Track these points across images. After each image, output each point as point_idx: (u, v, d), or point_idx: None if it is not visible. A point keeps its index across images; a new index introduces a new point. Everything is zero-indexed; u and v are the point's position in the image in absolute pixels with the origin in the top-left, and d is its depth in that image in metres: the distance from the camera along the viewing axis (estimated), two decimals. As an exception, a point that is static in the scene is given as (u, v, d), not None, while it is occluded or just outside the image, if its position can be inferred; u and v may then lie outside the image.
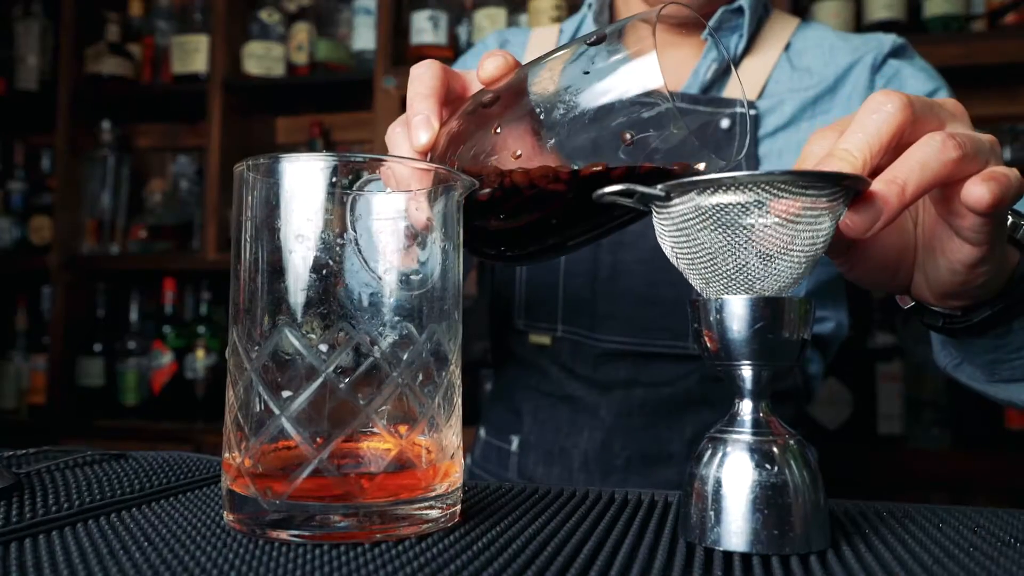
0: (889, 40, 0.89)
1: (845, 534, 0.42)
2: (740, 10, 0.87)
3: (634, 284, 0.83)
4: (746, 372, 0.41)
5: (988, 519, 0.46)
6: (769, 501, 0.39)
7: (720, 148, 0.80)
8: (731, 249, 0.40)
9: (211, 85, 2.01)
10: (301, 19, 2.05)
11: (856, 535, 0.42)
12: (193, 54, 2.06)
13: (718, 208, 0.39)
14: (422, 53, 1.89)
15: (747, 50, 0.89)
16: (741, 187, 0.38)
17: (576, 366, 0.86)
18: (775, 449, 0.40)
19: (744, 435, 0.41)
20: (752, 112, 0.84)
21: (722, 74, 0.87)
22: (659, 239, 0.44)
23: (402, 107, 1.82)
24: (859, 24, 1.71)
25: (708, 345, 0.42)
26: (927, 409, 1.66)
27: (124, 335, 2.11)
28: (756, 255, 0.40)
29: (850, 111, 0.84)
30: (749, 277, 0.41)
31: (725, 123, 0.83)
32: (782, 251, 0.40)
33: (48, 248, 2.14)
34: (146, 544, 0.38)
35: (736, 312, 0.40)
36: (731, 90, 0.86)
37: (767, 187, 0.38)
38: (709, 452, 0.41)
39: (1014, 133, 1.67)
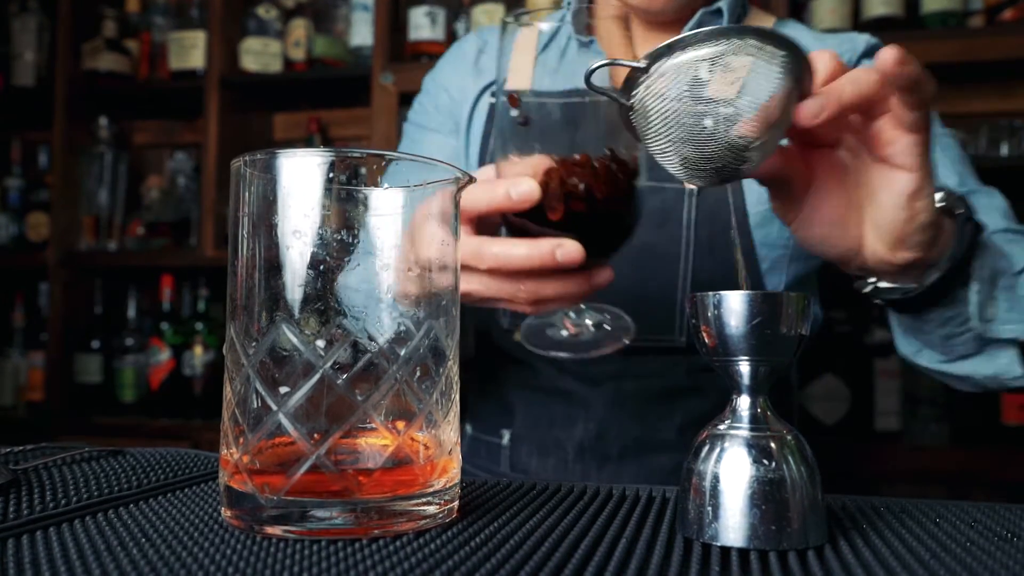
0: (863, 40, 0.90)
1: (842, 529, 0.42)
2: (719, 12, 0.88)
3: (621, 280, 0.84)
4: (744, 368, 0.41)
5: (985, 514, 0.46)
6: (767, 496, 0.39)
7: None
8: (701, 115, 0.47)
9: (208, 81, 2.01)
10: (298, 15, 2.04)
11: (853, 530, 0.42)
12: (190, 50, 2.06)
13: (693, 65, 0.47)
14: (419, 49, 1.89)
15: None
16: (711, 39, 0.46)
17: (566, 362, 0.87)
18: (773, 445, 0.40)
19: (742, 431, 0.41)
20: None
21: None
22: (641, 140, 0.52)
23: (400, 103, 1.82)
24: (856, 20, 1.71)
25: (706, 341, 0.42)
26: (924, 405, 1.66)
27: (122, 332, 2.11)
28: (724, 120, 0.47)
29: None
30: (717, 147, 0.48)
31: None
32: (744, 111, 0.47)
33: (45, 245, 2.13)
34: (143, 540, 0.38)
35: (734, 308, 0.40)
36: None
37: (735, 36, 0.46)
38: (707, 447, 0.41)
39: (1012, 129, 1.67)
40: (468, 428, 0.99)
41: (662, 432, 0.85)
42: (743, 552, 0.38)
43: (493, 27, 1.05)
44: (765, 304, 0.40)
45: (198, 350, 2.04)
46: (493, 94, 0.93)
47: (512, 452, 0.90)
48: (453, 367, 0.44)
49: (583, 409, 0.87)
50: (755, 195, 0.84)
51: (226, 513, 0.41)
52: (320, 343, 0.39)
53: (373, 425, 0.40)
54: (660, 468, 0.85)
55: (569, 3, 0.95)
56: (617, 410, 0.85)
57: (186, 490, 0.50)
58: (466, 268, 0.57)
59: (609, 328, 0.66)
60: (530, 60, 0.96)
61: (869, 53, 0.90)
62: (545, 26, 1.00)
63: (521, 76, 0.96)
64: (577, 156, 0.57)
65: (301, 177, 0.40)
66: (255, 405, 0.40)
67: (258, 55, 2.02)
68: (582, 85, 0.92)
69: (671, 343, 0.84)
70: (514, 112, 0.90)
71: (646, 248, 0.83)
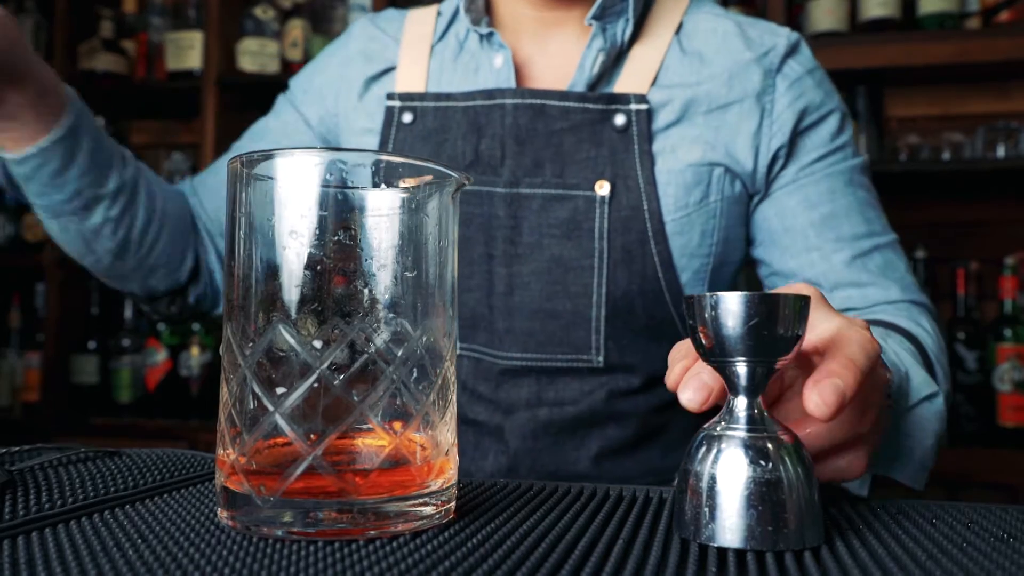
0: (784, 39, 0.84)
1: (839, 530, 0.42)
2: None
3: (531, 297, 0.80)
4: (741, 369, 0.41)
5: (982, 515, 0.46)
6: (763, 497, 0.39)
7: (616, 149, 0.79)
8: None
9: (205, 82, 2.01)
10: (295, 16, 2.04)
11: (850, 531, 0.42)
12: (187, 51, 2.06)
13: None
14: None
15: (636, 36, 0.83)
16: None
17: (478, 386, 0.82)
18: (769, 445, 0.40)
19: (739, 431, 0.41)
20: (644, 107, 0.80)
21: (611, 65, 0.82)
22: None
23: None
24: (854, 21, 1.71)
25: (703, 342, 0.42)
26: (921, 406, 1.66)
27: (118, 332, 2.10)
28: None
29: (742, 113, 0.81)
30: None
31: (620, 120, 0.79)
32: None
33: (42, 245, 2.13)
34: (140, 541, 0.38)
35: (731, 309, 0.40)
36: (622, 84, 0.82)
37: None
38: (704, 448, 0.41)
39: (1008, 131, 1.68)
40: None
41: (578, 464, 0.80)
42: (740, 553, 0.38)
43: (388, 11, 0.95)
44: (763, 305, 0.40)
45: (195, 351, 2.04)
46: (390, 95, 0.86)
47: None
48: (450, 368, 0.44)
49: (495, 440, 0.81)
50: (671, 199, 0.78)
51: (222, 514, 0.41)
52: (317, 344, 0.39)
53: (370, 426, 0.40)
54: None
55: None
56: (531, 441, 0.80)
57: (183, 491, 0.50)
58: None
59: None
60: (424, 52, 0.87)
61: (792, 52, 0.84)
62: (444, 7, 0.89)
63: (414, 72, 0.86)
64: None
65: (298, 178, 0.40)
66: (251, 406, 0.40)
67: (255, 56, 2.02)
68: (484, 85, 0.83)
69: (588, 363, 0.79)
70: (407, 117, 0.84)
71: (555, 261, 0.78)
